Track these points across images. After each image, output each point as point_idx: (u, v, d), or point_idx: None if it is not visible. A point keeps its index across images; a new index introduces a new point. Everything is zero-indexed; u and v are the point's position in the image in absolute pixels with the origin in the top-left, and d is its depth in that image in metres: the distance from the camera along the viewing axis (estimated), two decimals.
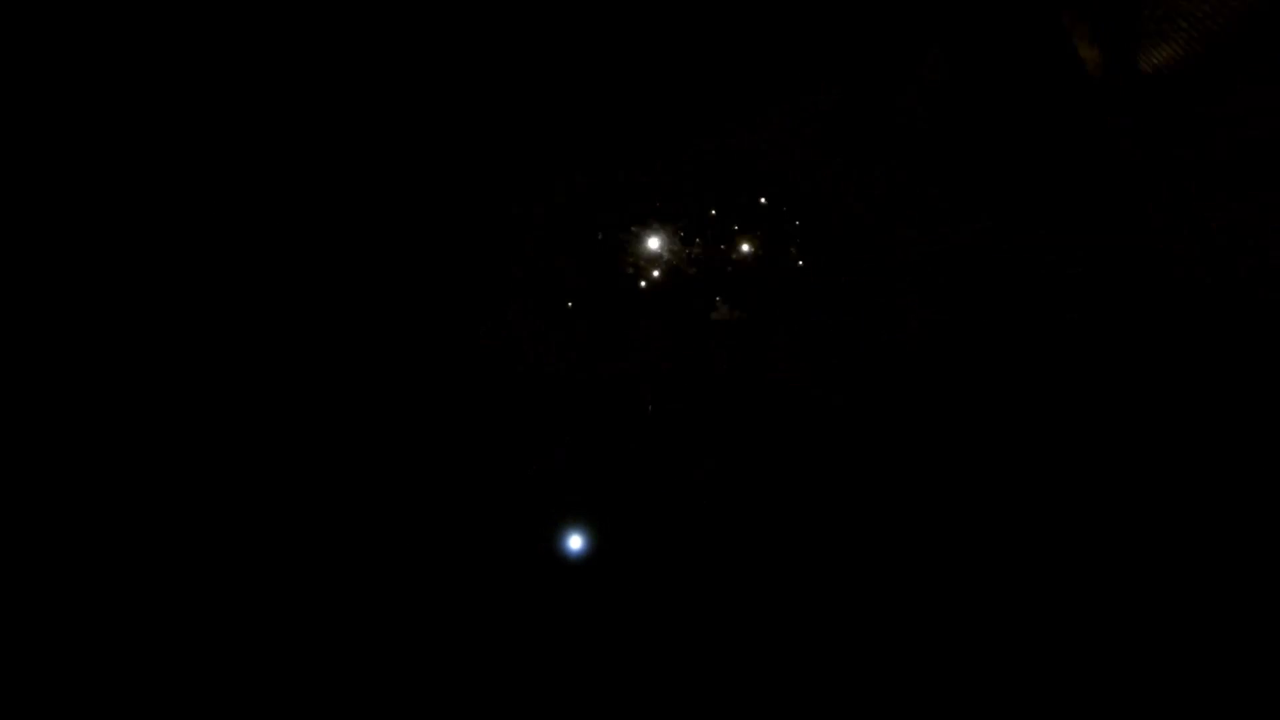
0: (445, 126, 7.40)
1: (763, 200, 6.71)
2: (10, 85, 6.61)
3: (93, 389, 6.98)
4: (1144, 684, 6.06)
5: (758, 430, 7.11)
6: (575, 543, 7.15)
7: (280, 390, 7.35)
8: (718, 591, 7.16)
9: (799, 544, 7.17)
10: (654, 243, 6.85)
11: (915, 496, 7.04)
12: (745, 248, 6.74)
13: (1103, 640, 6.37)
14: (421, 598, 7.22)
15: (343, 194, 7.44)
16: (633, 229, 6.97)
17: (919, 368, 7.00)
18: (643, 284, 6.91)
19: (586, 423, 7.28)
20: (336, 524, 7.31)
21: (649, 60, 7.06)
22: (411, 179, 7.51)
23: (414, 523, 7.37)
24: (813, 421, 7.04)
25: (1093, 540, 6.60)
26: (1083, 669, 6.38)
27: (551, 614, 7.20)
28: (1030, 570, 6.72)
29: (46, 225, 6.84)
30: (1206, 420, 6.12)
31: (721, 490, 7.26)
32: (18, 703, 6.29)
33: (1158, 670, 6.01)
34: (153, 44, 6.89)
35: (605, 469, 7.35)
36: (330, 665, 6.97)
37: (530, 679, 6.98)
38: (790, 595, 7.12)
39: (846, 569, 7.07)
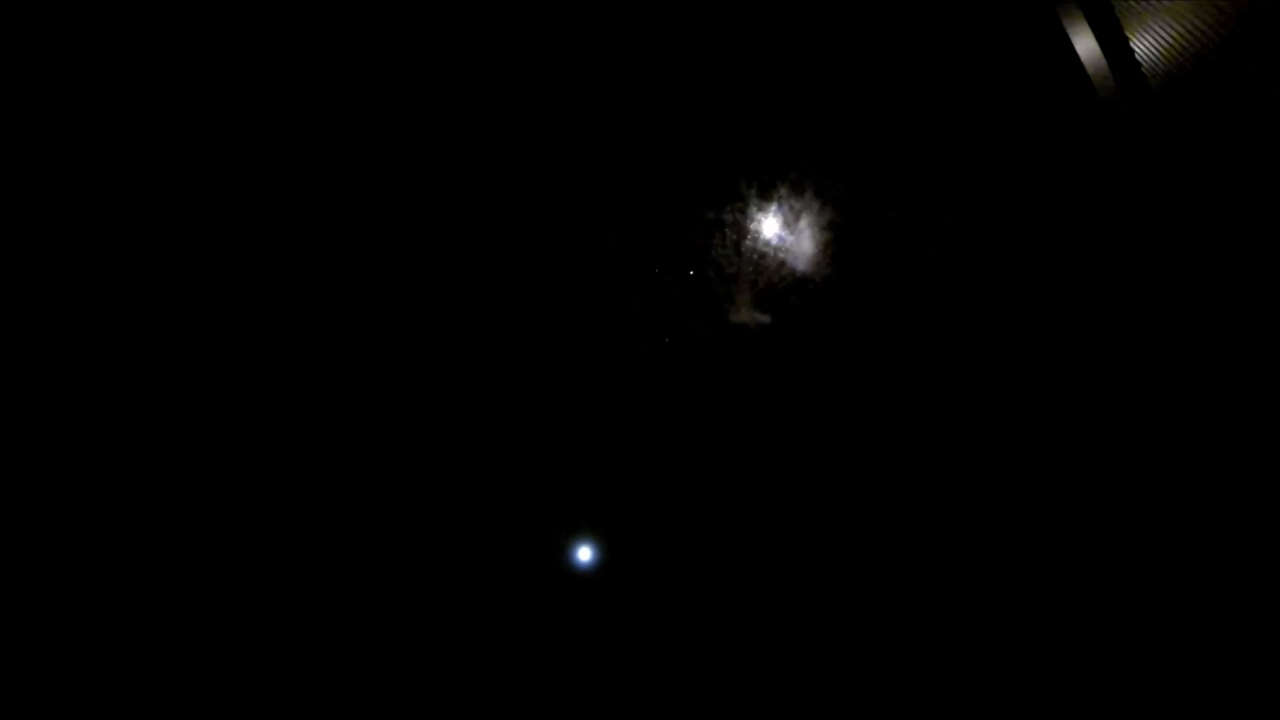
0: (465, 138, 7.39)
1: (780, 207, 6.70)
2: (10, 85, 6.62)
3: (93, 389, 6.98)
4: (1143, 682, 6.04)
5: (769, 426, 7.10)
6: (585, 553, 7.16)
7: (286, 391, 7.34)
8: (722, 592, 7.15)
9: (802, 542, 7.16)
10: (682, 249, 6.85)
11: (917, 496, 7.03)
12: (761, 255, 6.74)
13: (1099, 638, 6.35)
14: (427, 597, 7.21)
15: (355, 199, 7.44)
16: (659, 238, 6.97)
17: (921, 369, 7.00)
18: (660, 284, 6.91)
19: (602, 421, 7.28)
20: (342, 524, 7.29)
21: (664, 71, 7.05)
22: (431, 190, 7.50)
23: (421, 521, 7.36)
24: (818, 419, 7.03)
25: (1089, 540, 6.58)
26: (1079, 667, 6.35)
27: (561, 611, 7.19)
28: (1026, 569, 6.70)
29: (46, 225, 6.85)
30: (1205, 420, 6.10)
31: (728, 490, 7.25)
32: (18, 703, 6.29)
33: (1157, 669, 5.99)
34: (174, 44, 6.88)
35: (615, 464, 7.34)
36: (333, 665, 6.96)
37: (535, 679, 6.97)
38: (791, 595, 7.11)
39: (849, 567, 7.05)
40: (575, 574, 7.29)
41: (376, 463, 7.39)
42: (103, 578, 6.76)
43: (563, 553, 7.33)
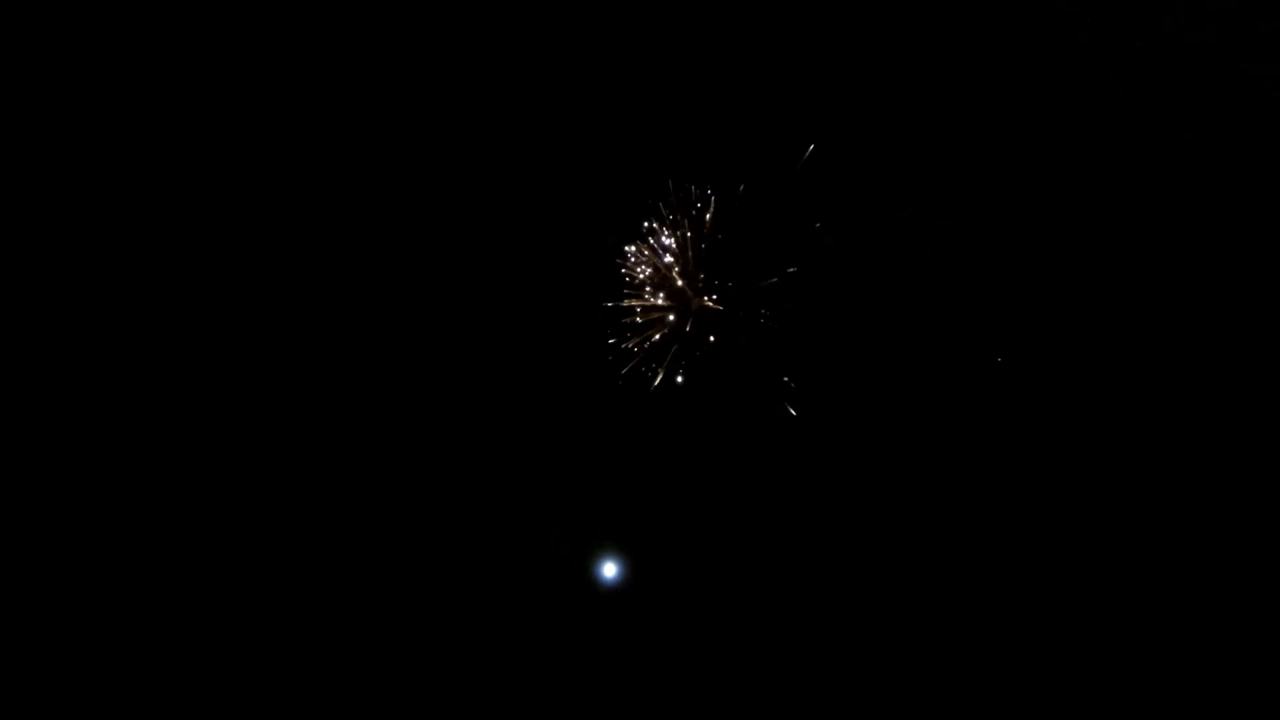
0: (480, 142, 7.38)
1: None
2: (10, 85, 6.61)
3: (93, 389, 6.96)
4: (1143, 683, 6.03)
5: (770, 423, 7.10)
6: (609, 569, 7.15)
7: (291, 394, 7.34)
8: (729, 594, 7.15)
9: (805, 539, 7.16)
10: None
11: (918, 496, 7.02)
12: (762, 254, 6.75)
13: (1094, 639, 6.35)
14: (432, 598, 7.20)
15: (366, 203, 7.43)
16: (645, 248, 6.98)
17: (921, 367, 6.99)
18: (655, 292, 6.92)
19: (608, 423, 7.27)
20: (345, 526, 7.29)
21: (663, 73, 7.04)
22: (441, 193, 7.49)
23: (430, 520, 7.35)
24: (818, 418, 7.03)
25: (1087, 535, 6.58)
26: (1077, 668, 6.35)
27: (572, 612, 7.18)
28: (1026, 565, 6.71)
29: (46, 225, 6.83)
30: (1204, 416, 6.09)
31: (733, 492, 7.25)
32: (18, 703, 6.27)
33: (1156, 669, 5.98)
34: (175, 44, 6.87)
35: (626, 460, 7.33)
36: (335, 667, 6.97)
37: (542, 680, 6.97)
38: (793, 596, 7.11)
39: (851, 565, 7.04)
40: (572, 572, 7.28)
41: (371, 462, 7.39)
42: (103, 577, 6.75)
43: (559, 551, 7.32)
